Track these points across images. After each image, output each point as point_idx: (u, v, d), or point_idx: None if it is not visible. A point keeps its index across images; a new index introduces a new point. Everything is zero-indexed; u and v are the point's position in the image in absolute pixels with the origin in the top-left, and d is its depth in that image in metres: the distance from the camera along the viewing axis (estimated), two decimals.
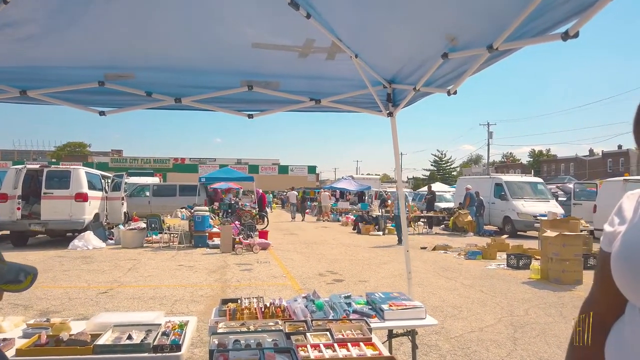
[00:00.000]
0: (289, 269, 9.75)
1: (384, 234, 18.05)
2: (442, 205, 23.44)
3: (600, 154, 60.62)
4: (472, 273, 9.55)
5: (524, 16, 1.86)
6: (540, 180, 19.98)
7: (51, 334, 2.71)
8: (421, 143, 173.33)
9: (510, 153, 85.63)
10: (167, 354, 2.54)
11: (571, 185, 20.58)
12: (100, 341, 2.60)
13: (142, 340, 2.64)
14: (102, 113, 3.36)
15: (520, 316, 6.33)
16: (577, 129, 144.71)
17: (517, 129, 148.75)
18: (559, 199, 20.57)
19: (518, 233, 16.97)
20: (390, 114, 3.59)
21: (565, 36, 1.73)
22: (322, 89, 3.58)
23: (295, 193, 30.81)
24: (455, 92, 2.73)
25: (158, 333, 2.74)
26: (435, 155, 79.10)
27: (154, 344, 2.58)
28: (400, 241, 14.54)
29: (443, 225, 19.82)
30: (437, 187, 34.30)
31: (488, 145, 56.47)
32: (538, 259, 9.85)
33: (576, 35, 1.70)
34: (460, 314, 6.39)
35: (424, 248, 13.46)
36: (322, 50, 2.86)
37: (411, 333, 3.28)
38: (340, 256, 11.90)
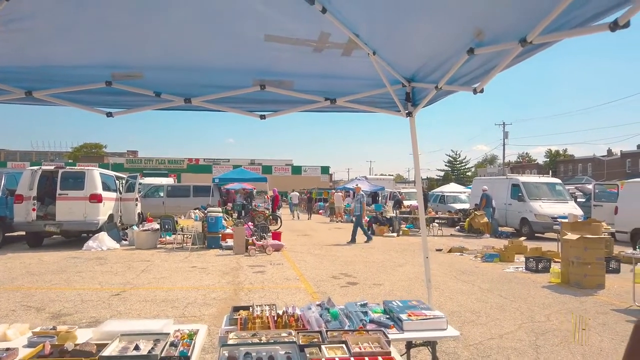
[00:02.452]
0: (303, 271, 9.63)
1: (398, 235, 17.84)
2: (458, 206, 23.11)
3: (619, 154, 59.40)
4: (489, 276, 9.32)
5: (565, 4, 1.68)
6: (558, 180, 19.55)
7: (56, 343, 2.61)
8: (435, 143, 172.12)
9: (526, 153, 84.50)
10: None
11: (590, 186, 20.13)
12: (107, 352, 2.49)
13: (149, 352, 2.52)
14: (109, 114, 3.25)
15: (542, 322, 6.11)
16: (594, 128, 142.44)
17: (533, 128, 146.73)
18: (578, 200, 20.14)
19: (536, 235, 16.61)
20: (409, 114, 3.43)
21: (614, 26, 1.55)
22: (337, 88, 3.43)
23: (297, 194, 33.81)
24: (482, 91, 2.54)
25: (166, 343, 2.62)
26: (449, 156, 78.44)
27: (162, 355, 2.46)
28: (353, 240, 15.14)
29: (458, 227, 19.53)
30: (451, 187, 33.95)
31: (504, 145, 55.85)
32: (558, 262, 9.57)
33: (627, 24, 1.51)
34: (479, 320, 6.19)
35: (440, 250, 13.24)
36: (337, 46, 2.72)
37: (431, 344, 3.12)
38: (355, 258, 11.73)
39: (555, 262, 10.09)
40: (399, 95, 3.36)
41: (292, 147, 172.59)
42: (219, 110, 3.45)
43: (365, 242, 15.18)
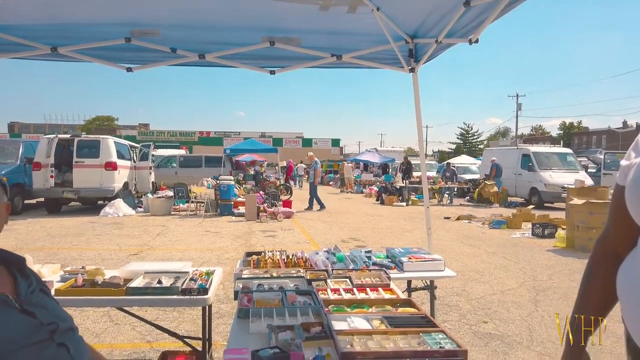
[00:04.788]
0: (312, 236, 9.90)
1: (407, 205, 18.02)
2: (467, 177, 23.16)
3: (635, 126, 58.39)
4: (495, 241, 9.51)
5: None
6: (569, 150, 19.45)
7: (87, 278, 2.86)
8: (447, 116, 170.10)
9: (540, 126, 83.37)
10: (194, 296, 2.68)
11: (602, 156, 20.01)
12: (132, 285, 2.74)
13: (171, 285, 2.78)
14: (129, 69, 3.45)
15: (543, 281, 6.32)
16: (609, 100, 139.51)
17: (546, 100, 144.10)
18: (589, 170, 20.06)
19: (545, 205, 16.68)
20: (412, 70, 3.56)
21: None
22: (343, 45, 3.56)
23: (304, 165, 34.19)
24: (477, 41, 2.68)
25: (186, 279, 2.88)
26: (461, 128, 77.67)
27: (182, 287, 2.71)
28: (310, 207, 15.54)
29: (468, 197, 19.65)
30: (462, 159, 33.88)
31: (517, 117, 55.05)
32: (564, 229, 9.72)
33: None
34: (482, 278, 6.42)
35: (448, 218, 13.42)
36: (342, 2, 2.85)
37: (430, 286, 3.34)
38: (363, 225, 11.98)
39: (562, 228, 10.24)
40: (402, 51, 3.48)
41: (303, 122, 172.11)
42: (231, 66, 3.62)
43: (319, 209, 15.44)
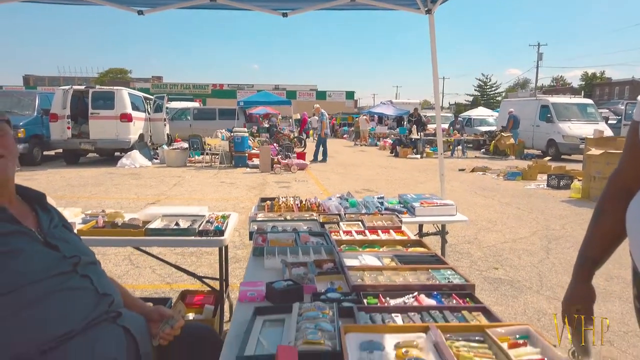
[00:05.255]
0: (326, 187, 9.98)
1: (422, 157, 17.93)
2: (484, 128, 22.81)
3: None
4: (510, 192, 9.49)
5: None
6: (589, 101, 18.92)
7: (107, 220, 2.96)
8: (464, 68, 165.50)
9: (561, 76, 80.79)
10: (211, 237, 2.76)
11: (623, 107, 19.46)
12: (151, 226, 2.83)
13: (188, 227, 2.86)
14: (140, 12, 3.40)
15: (556, 230, 6.34)
16: (635, 49, 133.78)
17: (569, 51, 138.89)
18: (609, 121, 19.57)
19: (562, 157, 16.44)
20: (428, 12, 3.45)
21: None
22: None
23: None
24: None
25: (203, 221, 2.96)
26: (479, 80, 75.67)
27: (199, 229, 2.79)
28: (315, 159, 15.62)
29: (483, 150, 19.44)
30: (479, 111, 33.22)
31: (537, 67, 53.41)
32: (580, 180, 9.63)
33: None
34: (495, 227, 6.46)
35: (462, 170, 13.36)
36: None
37: (441, 231, 3.38)
38: (377, 176, 12.01)
39: (578, 180, 10.14)
40: None
41: (317, 75, 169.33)
42: (243, 9, 3.53)
43: (320, 161, 15.53)
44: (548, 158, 13.73)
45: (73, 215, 3.34)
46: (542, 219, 7.00)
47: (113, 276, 4.31)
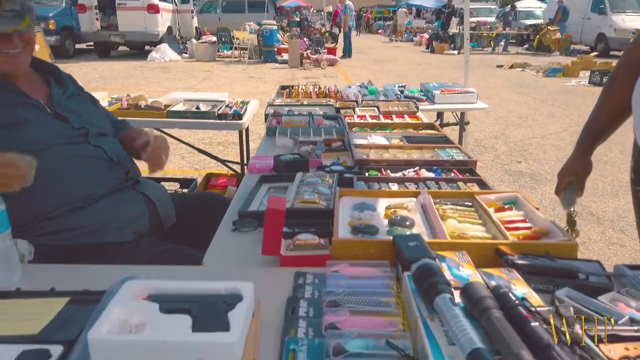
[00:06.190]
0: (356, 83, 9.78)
1: (459, 53, 17.06)
2: (529, 22, 21.19)
3: None
4: (548, 89, 9.09)
5: None
6: None
7: (131, 102, 3.06)
8: None
9: None
10: (230, 121, 2.84)
11: None
12: (173, 109, 2.92)
13: (209, 110, 2.94)
14: None
15: None
16: None
17: None
18: None
19: (611, 53, 15.31)
20: None
21: None
22: None
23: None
24: None
25: (222, 106, 3.02)
26: None
27: (219, 112, 2.87)
28: (345, 54, 15.20)
29: (527, 45, 18.27)
30: (527, 2, 30.63)
31: None
32: None
33: None
34: (524, 123, 6.32)
35: (500, 66, 12.73)
36: None
37: (460, 120, 3.35)
38: (409, 72, 11.63)
39: None
40: None
41: None
42: None
43: (341, 57, 14.81)
44: (595, 54, 12.84)
45: (100, 99, 3.45)
46: (576, 115, 6.75)
47: (143, 164, 4.59)
